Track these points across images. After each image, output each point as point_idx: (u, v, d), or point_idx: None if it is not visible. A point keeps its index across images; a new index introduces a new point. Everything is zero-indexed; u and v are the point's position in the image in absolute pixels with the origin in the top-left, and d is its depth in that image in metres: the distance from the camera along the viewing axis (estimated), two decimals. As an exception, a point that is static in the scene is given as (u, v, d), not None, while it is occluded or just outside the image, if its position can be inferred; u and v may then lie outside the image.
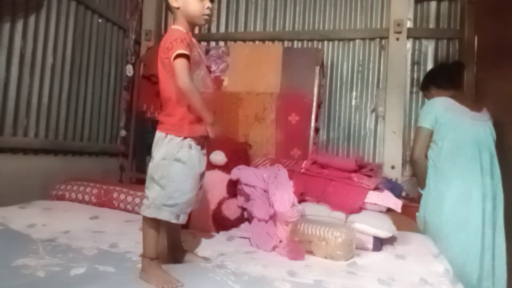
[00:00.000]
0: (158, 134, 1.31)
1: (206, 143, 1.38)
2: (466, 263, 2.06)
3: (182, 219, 1.30)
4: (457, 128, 2.23)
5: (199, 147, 1.33)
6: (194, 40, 1.37)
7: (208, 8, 1.36)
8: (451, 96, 2.31)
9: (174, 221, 1.28)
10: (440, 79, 2.45)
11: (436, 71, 2.58)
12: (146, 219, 1.27)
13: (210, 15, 1.39)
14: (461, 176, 2.17)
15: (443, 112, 2.25)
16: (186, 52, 1.24)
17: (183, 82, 1.23)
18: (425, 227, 2.24)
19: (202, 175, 1.37)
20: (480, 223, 2.12)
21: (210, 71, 1.54)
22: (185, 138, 1.28)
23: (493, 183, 2.19)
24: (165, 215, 1.25)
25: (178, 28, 1.34)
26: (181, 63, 1.24)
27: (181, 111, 1.29)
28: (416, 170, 2.37)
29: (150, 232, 1.27)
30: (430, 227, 2.20)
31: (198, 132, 1.31)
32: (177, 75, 1.23)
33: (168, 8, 1.40)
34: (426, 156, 2.31)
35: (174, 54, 1.23)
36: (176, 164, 1.26)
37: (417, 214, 2.33)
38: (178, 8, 1.35)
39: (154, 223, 1.27)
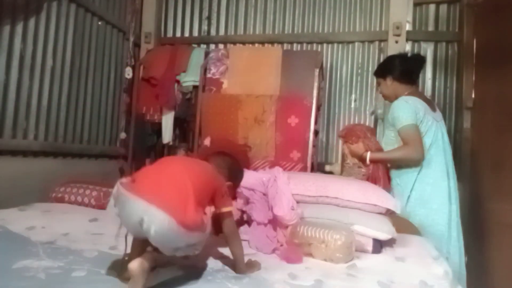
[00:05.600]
0: None
1: None
2: None
3: None
4: (430, 130, 2.21)
5: None
6: None
7: None
8: (412, 93, 2.27)
9: None
10: (399, 70, 2.33)
11: (397, 61, 2.42)
12: None
13: None
14: (441, 179, 2.18)
15: (419, 111, 2.19)
16: None
17: None
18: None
19: None
20: (445, 226, 2.14)
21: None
22: None
23: (455, 185, 2.22)
24: None
25: None
26: None
27: None
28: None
29: None
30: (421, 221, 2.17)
31: None
32: None
33: None
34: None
35: None
36: None
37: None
38: None
39: None
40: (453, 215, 2.18)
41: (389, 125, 2.33)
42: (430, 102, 2.33)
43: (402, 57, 2.48)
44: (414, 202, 2.18)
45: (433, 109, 2.29)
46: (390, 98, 2.42)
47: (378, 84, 2.48)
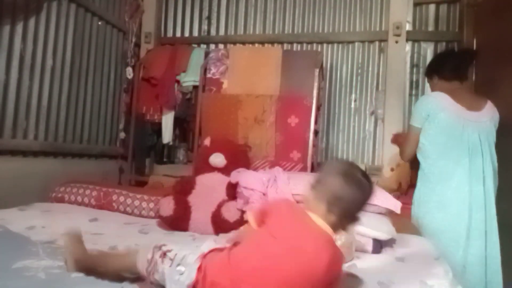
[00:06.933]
0: None
1: None
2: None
3: None
4: (448, 131, 2.04)
5: None
6: None
7: None
8: (450, 91, 2.07)
9: None
10: (444, 68, 2.17)
11: (441, 58, 2.31)
12: None
13: None
14: (444, 181, 2.03)
15: (436, 110, 2.03)
16: None
17: None
18: (417, 224, 2.16)
19: None
20: (462, 232, 1.98)
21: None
22: None
23: (484, 191, 2.03)
24: None
25: None
26: None
27: None
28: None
29: None
30: (419, 223, 2.13)
31: None
32: None
33: None
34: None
35: None
36: None
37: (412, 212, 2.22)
38: None
39: None
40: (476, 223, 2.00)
41: None
42: (469, 101, 2.07)
43: (446, 53, 2.45)
44: (433, 205, 2.05)
45: (471, 108, 2.06)
46: None
47: (429, 84, 2.35)
